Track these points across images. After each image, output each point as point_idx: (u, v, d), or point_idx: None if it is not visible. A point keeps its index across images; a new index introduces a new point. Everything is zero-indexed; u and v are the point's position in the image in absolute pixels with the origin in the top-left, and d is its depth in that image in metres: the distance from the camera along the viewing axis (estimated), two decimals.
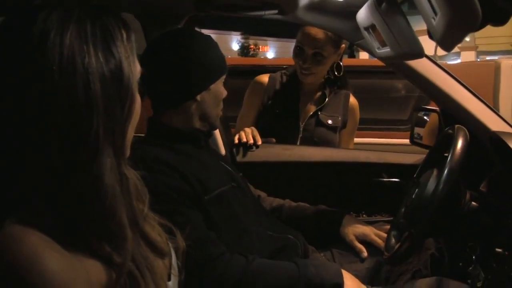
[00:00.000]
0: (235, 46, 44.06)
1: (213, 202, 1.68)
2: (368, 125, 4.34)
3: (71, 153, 0.83)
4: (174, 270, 1.09)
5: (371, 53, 1.90)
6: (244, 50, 42.62)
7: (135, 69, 0.94)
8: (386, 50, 1.65)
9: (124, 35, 0.92)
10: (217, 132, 2.48)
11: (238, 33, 44.28)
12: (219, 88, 1.82)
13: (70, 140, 0.83)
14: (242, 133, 2.60)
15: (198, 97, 1.77)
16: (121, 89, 0.89)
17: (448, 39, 0.92)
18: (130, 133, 0.95)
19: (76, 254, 0.84)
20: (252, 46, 43.59)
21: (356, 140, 3.00)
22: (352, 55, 9.32)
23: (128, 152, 0.97)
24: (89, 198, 0.85)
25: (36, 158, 0.84)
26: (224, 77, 1.83)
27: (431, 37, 1.09)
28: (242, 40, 44.15)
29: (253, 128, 2.65)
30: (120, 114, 0.89)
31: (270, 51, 45.23)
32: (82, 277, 0.83)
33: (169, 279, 1.06)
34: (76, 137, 0.83)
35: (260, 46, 44.73)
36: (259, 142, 2.57)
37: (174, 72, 1.73)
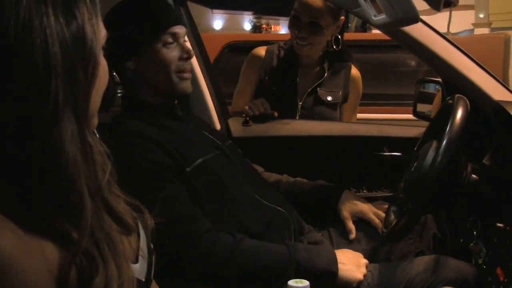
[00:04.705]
0: (247, 26, 43.87)
1: (195, 173, 1.63)
2: (376, 100, 4.28)
3: (30, 118, 0.79)
4: (143, 252, 1.03)
5: (368, 21, 1.83)
6: (256, 30, 42.41)
7: (99, 33, 0.88)
8: (382, 17, 1.60)
9: None
10: (211, 106, 2.43)
11: (250, 13, 44.04)
12: (159, 50, 1.65)
13: (28, 104, 0.78)
14: (252, 106, 2.48)
15: (130, 65, 1.67)
16: (84, 53, 0.83)
17: None
18: (95, 100, 0.90)
19: (33, 233, 0.80)
20: (264, 26, 43.37)
21: (366, 116, 2.89)
22: (364, 32, 9.21)
23: (95, 121, 0.92)
24: (48, 166, 0.80)
25: None
26: (165, 37, 1.65)
27: None
28: (254, 20, 43.93)
29: (262, 99, 2.52)
30: (83, 78, 0.83)
31: (282, 31, 44.98)
32: (37, 256, 0.78)
33: (136, 261, 1.01)
34: (34, 101, 0.78)
35: (272, 26, 44.48)
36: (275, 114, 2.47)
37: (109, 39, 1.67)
